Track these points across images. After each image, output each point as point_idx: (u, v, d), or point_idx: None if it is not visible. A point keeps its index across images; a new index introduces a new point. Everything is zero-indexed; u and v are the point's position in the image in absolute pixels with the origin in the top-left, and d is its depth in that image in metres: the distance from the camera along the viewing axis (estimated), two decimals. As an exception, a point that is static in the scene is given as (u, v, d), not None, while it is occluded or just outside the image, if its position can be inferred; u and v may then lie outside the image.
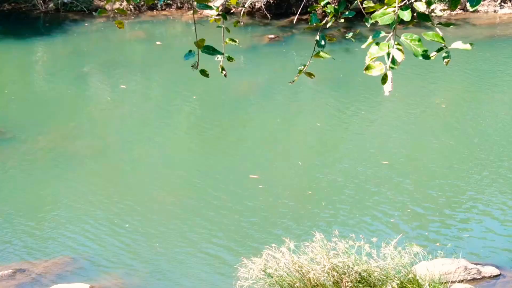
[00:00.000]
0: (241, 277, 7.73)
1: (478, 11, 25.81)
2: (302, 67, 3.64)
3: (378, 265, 7.67)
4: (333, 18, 3.48)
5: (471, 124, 14.87)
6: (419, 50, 2.42)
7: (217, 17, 4.48)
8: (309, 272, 7.63)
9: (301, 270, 7.70)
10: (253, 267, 7.71)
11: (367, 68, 2.46)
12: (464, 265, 9.03)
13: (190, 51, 3.95)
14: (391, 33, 2.51)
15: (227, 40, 4.54)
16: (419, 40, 2.44)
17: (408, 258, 7.67)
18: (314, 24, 3.42)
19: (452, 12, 25.07)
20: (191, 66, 4.07)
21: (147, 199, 11.76)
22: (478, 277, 9.06)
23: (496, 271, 9.21)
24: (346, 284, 7.60)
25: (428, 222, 10.77)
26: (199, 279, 9.57)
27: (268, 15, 24.01)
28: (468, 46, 2.54)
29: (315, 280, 7.66)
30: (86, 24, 23.88)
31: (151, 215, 11.28)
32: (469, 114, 15.61)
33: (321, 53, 3.48)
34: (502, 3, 26.08)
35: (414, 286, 7.59)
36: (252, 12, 24.66)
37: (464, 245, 9.94)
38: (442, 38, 2.53)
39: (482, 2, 25.58)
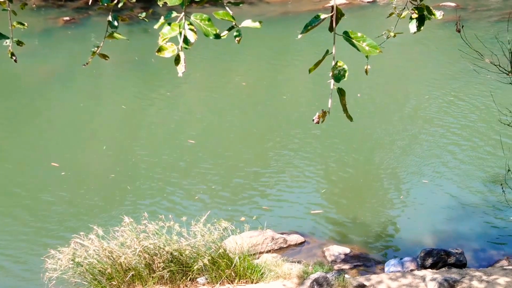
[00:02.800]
0: (49, 268, 7.44)
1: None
2: (96, 48, 3.52)
3: (189, 243, 7.74)
4: (123, -2, 3.40)
5: (273, 100, 15.45)
6: (210, 30, 2.43)
7: (1, 0, 4.20)
8: (120, 256, 7.53)
9: (111, 256, 7.58)
10: (61, 257, 7.46)
11: (160, 49, 2.43)
12: (271, 236, 9.41)
13: (-32, 34, 3.66)
14: (182, 13, 2.50)
15: (14, 23, 4.27)
16: (209, 20, 2.45)
17: (218, 234, 7.81)
18: (105, 4, 3.32)
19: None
20: (-27, 51, 3.79)
21: None
22: (285, 245, 9.49)
23: (301, 239, 9.70)
24: (158, 265, 7.61)
25: (235, 197, 11.05)
26: (3, 279, 9.05)
27: (62, -4, 23.13)
28: (257, 24, 2.59)
29: (127, 264, 7.58)
30: None
31: None
32: (270, 90, 16.20)
33: (115, 34, 3.39)
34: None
35: (225, 260, 7.76)
36: (44, -6, 23.63)
37: (270, 217, 10.32)
38: (233, 17, 2.56)
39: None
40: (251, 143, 13.22)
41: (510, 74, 4.09)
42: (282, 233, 9.69)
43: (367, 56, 2.55)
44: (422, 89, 16.10)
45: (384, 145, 13.04)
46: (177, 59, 2.45)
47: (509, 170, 7.18)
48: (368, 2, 25.27)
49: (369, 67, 3.64)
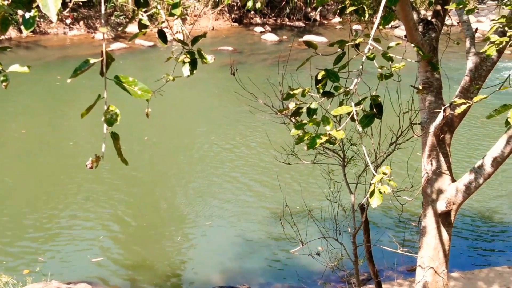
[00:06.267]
0: None
1: (48, 33, 26.06)
2: None
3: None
4: None
5: (58, 147, 14.88)
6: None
7: None
8: None
9: None
10: None
11: None
12: (57, 286, 9.01)
13: None
14: None
15: None
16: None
17: (-5, 290, 7.34)
18: None
19: (22, 34, 24.85)
20: None
21: None
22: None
23: (88, 287, 9.41)
24: None
25: (15, 248, 10.46)
26: None
27: None
28: (25, 69, 2.51)
29: None
30: None
31: None
32: (53, 137, 15.60)
33: None
34: (71, 25, 26.82)
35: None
36: None
37: (55, 267, 9.90)
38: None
39: (51, 25, 25.89)
40: (30, 191, 12.61)
41: (278, 113, 4.35)
42: (68, 283, 9.31)
43: (147, 100, 2.57)
44: (207, 131, 16.52)
45: (168, 188, 13.12)
46: None
47: (286, 206, 7.57)
48: (148, 46, 25.53)
49: (149, 110, 3.67)
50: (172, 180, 13.45)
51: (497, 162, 5.36)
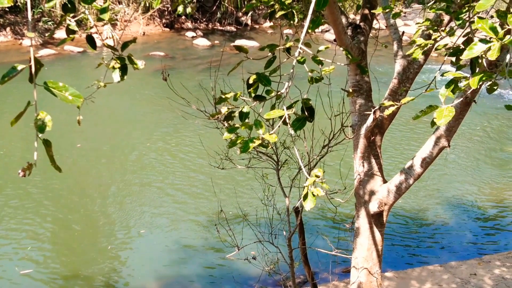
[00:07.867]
0: None
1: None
2: None
3: None
4: None
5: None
6: None
7: None
8: None
9: None
10: None
11: None
12: (-14, 301, 8.77)
13: None
14: None
15: None
16: None
17: None
18: None
19: None
20: None
21: None
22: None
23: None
24: None
25: None
26: None
27: None
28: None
29: None
30: None
31: None
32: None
33: None
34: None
35: None
36: None
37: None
38: None
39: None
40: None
41: (211, 117, 4.35)
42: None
43: (78, 107, 2.53)
44: (140, 137, 16.34)
45: (101, 196, 12.89)
46: None
47: (221, 211, 7.57)
48: (78, 52, 25.10)
49: (81, 117, 3.61)
50: (105, 188, 13.24)
51: (426, 163, 5.50)
